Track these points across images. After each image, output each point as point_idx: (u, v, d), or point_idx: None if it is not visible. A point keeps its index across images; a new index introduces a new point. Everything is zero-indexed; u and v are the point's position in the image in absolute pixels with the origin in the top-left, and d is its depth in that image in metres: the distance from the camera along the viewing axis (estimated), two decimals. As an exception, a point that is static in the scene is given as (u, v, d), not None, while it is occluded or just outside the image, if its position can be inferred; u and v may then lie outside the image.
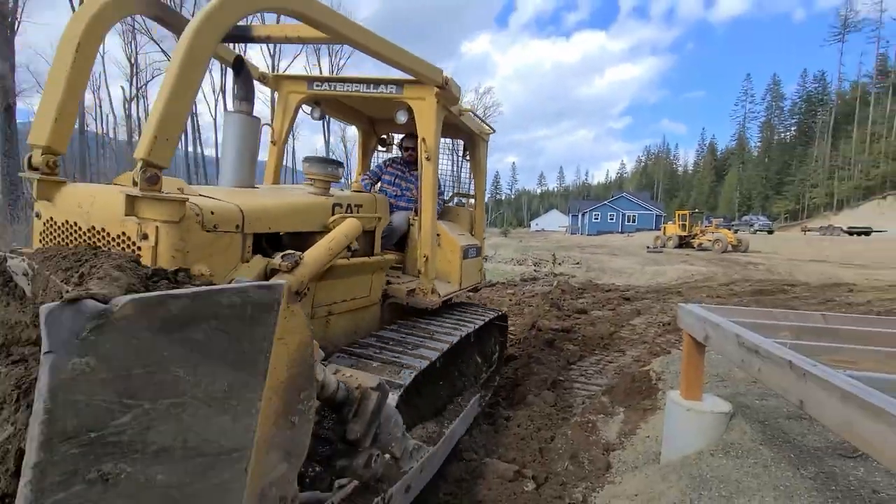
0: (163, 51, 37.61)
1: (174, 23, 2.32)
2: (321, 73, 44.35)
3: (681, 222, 27.86)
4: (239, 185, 2.52)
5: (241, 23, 1.96)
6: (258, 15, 2.16)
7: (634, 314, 7.99)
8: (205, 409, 0.81)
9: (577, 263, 17.45)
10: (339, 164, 2.78)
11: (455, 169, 5.08)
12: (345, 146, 48.98)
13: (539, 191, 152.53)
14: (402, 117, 3.31)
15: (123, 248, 1.69)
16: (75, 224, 1.81)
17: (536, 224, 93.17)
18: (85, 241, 1.77)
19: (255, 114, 2.63)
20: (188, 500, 0.81)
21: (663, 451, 2.70)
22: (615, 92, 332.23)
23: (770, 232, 43.25)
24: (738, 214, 68.12)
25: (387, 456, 1.68)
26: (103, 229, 1.73)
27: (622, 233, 56.50)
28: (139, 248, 1.64)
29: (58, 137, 1.86)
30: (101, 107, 45.06)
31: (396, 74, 3.04)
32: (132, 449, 0.74)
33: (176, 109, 1.55)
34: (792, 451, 2.32)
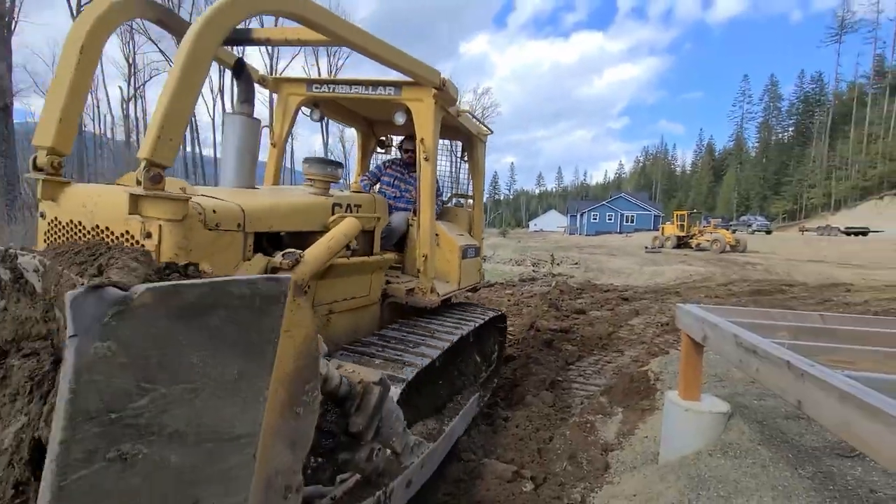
0: (161, 51, 37.56)
1: (175, 26, 2.34)
2: (319, 73, 44.43)
3: (679, 223, 27.90)
4: (239, 185, 2.55)
5: (240, 26, 1.97)
6: (257, 18, 2.17)
7: (633, 314, 8.00)
8: (216, 396, 0.85)
9: (576, 264, 17.47)
10: (339, 164, 2.81)
11: (454, 170, 5.09)
12: (343, 146, 49.03)
13: (537, 191, 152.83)
14: (400, 118, 3.34)
15: None
16: (79, 223, 1.84)
17: (535, 224, 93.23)
18: (89, 240, 1.79)
19: (254, 115, 2.65)
20: (200, 483, 0.84)
21: (661, 451, 2.70)
22: (613, 92, 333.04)
23: (768, 232, 43.35)
24: (736, 215, 68.29)
25: (388, 451, 1.71)
26: (107, 228, 1.76)
27: (620, 233, 56.59)
28: (143, 247, 1.65)
29: (62, 139, 1.89)
30: (98, 107, 45.04)
31: (395, 76, 3.06)
32: (149, 431, 0.77)
33: (178, 110, 1.58)
34: (790, 450, 2.32)
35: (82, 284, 0.79)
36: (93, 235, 1.79)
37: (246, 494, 0.93)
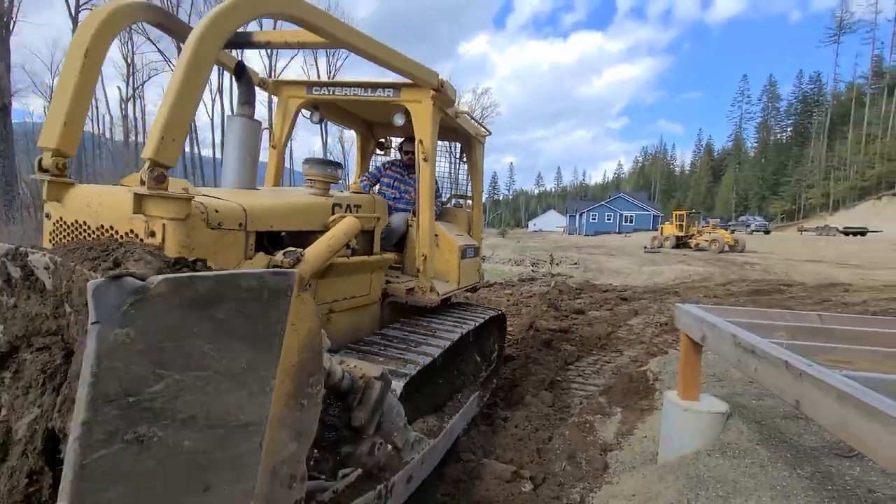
0: (160, 51, 37.57)
1: (177, 30, 2.38)
2: (318, 73, 44.46)
3: (678, 223, 27.94)
4: (240, 186, 2.58)
5: (240, 29, 2.01)
6: (256, 21, 2.20)
7: (632, 314, 8.01)
8: (225, 384, 0.88)
9: (575, 264, 17.48)
10: (339, 165, 2.84)
11: (453, 170, 5.11)
12: (342, 146, 49.03)
13: (537, 191, 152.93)
14: (399, 120, 3.38)
15: None
16: (84, 223, 1.87)
17: (534, 224, 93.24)
18: (94, 239, 1.82)
19: (255, 117, 2.68)
20: (211, 468, 0.88)
21: (660, 451, 2.71)
22: (613, 92, 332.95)
23: (766, 232, 43.40)
24: (735, 215, 68.38)
25: (389, 447, 1.73)
26: (112, 227, 1.79)
27: (619, 233, 56.62)
28: None
29: (67, 140, 1.93)
30: (97, 107, 45.00)
31: (393, 78, 3.09)
32: (163, 415, 0.81)
33: (181, 111, 1.62)
34: (788, 450, 2.33)
35: (97, 277, 0.83)
36: (98, 235, 1.82)
37: (254, 482, 0.96)
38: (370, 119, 4.62)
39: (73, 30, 30.07)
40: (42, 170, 1.93)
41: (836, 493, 1.98)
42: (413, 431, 2.08)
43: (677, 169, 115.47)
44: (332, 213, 2.62)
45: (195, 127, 44.55)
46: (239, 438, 0.92)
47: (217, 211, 1.90)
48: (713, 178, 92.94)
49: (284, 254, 2.09)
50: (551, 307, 8.18)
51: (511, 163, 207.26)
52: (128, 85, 42.15)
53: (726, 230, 26.22)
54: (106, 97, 45.64)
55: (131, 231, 1.74)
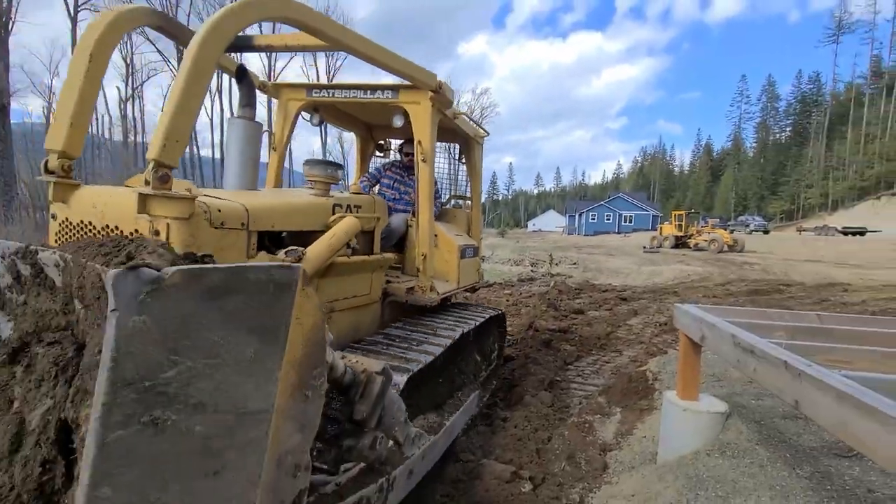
0: (158, 51, 37.54)
1: (179, 34, 2.43)
2: (318, 73, 44.45)
3: (677, 223, 27.96)
4: (242, 187, 2.63)
5: (241, 33, 2.07)
6: (256, 24, 2.22)
7: (631, 314, 8.01)
8: (234, 372, 0.92)
9: (574, 264, 17.49)
10: (339, 165, 2.88)
11: (452, 171, 5.13)
12: (342, 146, 49.04)
13: (536, 191, 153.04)
14: (398, 121, 3.41)
15: None
16: (90, 223, 1.91)
17: (533, 224, 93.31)
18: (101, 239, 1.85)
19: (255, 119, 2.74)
20: (220, 454, 0.91)
21: (660, 451, 2.71)
22: (612, 93, 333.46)
23: (766, 232, 43.44)
24: (734, 215, 68.47)
25: (390, 442, 1.75)
26: (117, 227, 1.82)
27: (619, 233, 56.65)
28: None
29: (73, 142, 1.97)
30: (96, 107, 44.88)
31: (392, 80, 3.11)
32: (177, 400, 0.84)
33: (184, 114, 1.66)
34: (788, 450, 2.33)
35: (110, 271, 0.88)
36: (103, 235, 1.85)
37: (260, 469, 0.99)
38: (369, 121, 4.65)
39: (72, 30, 30.08)
40: (48, 171, 1.97)
41: (835, 492, 1.98)
42: (414, 427, 2.11)
43: (676, 169, 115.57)
44: (333, 214, 2.65)
45: (194, 128, 44.54)
46: (247, 426, 0.95)
47: (220, 210, 1.93)
48: (712, 178, 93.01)
49: (286, 252, 2.12)
50: (551, 307, 8.18)
51: (510, 163, 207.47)
52: (127, 85, 42.14)
53: (725, 230, 26.26)
54: (105, 97, 45.60)
55: (136, 231, 1.77)
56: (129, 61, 40.82)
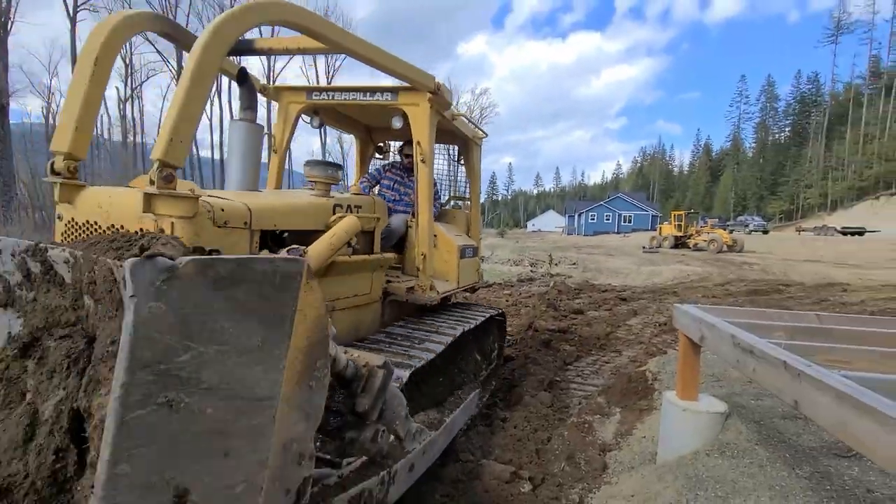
0: (158, 51, 37.48)
1: (182, 39, 2.46)
2: (317, 74, 44.47)
3: (676, 223, 28.00)
4: (244, 188, 2.67)
5: (242, 37, 2.08)
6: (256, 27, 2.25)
7: (631, 314, 8.02)
8: (242, 359, 0.96)
9: (574, 264, 17.50)
10: (339, 166, 2.92)
11: (451, 171, 5.15)
12: (341, 147, 49.04)
13: (535, 191, 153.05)
14: (397, 123, 3.44)
15: None
16: (95, 223, 1.95)
17: (533, 225, 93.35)
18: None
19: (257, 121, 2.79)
20: (230, 436, 0.95)
21: (659, 451, 2.71)
22: (611, 93, 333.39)
23: (765, 232, 43.48)
24: (734, 215, 68.50)
25: (391, 437, 1.79)
26: (122, 226, 1.86)
27: (618, 233, 56.67)
28: None
29: (78, 144, 2.01)
30: (96, 108, 44.76)
31: (391, 82, 3.15)
32: (190, 383, 0.88)
33: (188, 114, 1.70)
34: (787, 450, 2.33)
35: (121, 266, 0.92)
36: (109, 234, 1.86)
37: (268, 454, 1.03)
38: (369, 124, 4.69)
39: (72, 30, 30.05)
40: (54, 173, 2.01)
41: (834, 492, 1.98)
42: (415, 423, 2.15)
43: (676, 169, 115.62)
44: (334, 214, 2.68)
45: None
46: (254, 411, 0.99)
47: (223, 210, 1.97)
48: (711, 178, 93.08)
49: (288, 251, 2.17)
50: (550, 307, 8.18)
51: (510, 163, 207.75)
52: (126, 85, 42.12)
53: (724, 230, 26.28)
54: (104, 98, 45.48)
55: (141, 230, 1.79)
56: (128, 62, 40.78)
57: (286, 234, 2.47)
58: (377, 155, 4.91)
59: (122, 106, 42.81)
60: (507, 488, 2.70)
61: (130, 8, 34.04)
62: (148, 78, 42.82)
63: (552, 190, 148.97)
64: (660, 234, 28.71)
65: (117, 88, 42.76)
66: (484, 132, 4.90)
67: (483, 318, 3.80)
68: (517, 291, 10.45)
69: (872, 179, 58.24)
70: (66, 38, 31.52)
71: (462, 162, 4.85)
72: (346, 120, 4.43)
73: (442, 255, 3.87)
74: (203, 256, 0.92)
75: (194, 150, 44.95)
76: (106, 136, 46.35)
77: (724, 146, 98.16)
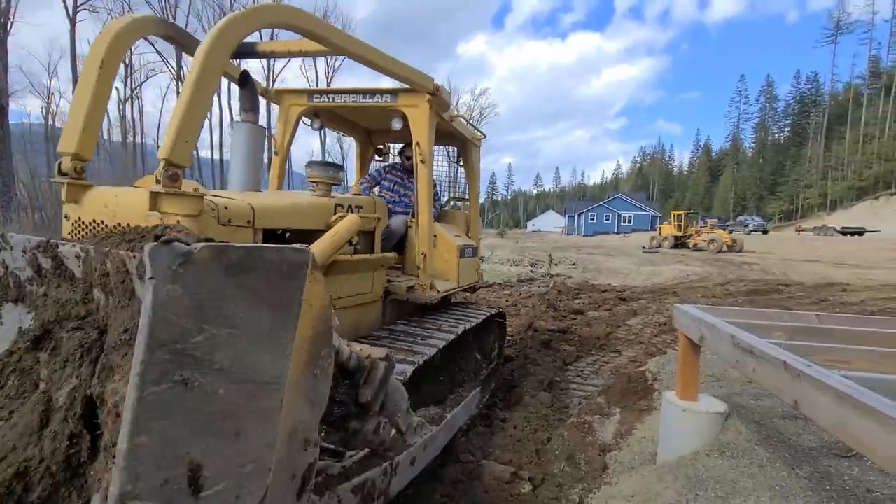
0: (157, 52, 37.50)
1: (185, 43, 2.50)
2: (317, 74, 44.50)
3: (676, 223, 28.02)
4: (246, 188, 2.71)
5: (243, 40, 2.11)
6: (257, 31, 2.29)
7: (630, 314, 8.02)
8: (252, 343, 1.00)
9: (574, 264, 17.50)
10: (340, 167, 2.96)
11: (451, 170, 5.17)
12: (341, 147, 49.03)
13: (535, 191, 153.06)
14: (397, 124, 3.46)
15: None
16: (102, 222, 1.99)
17: (533, 225, 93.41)
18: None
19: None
20: (241, 417, 1.00)
21: (659, 451, 2.71)
22: (611, 93, 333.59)
23: (764, 232, 43.50)
24: (733, 215, 68.52)
25: (393, 430, 1.80)
26: (128, 225, 1.88)
27: (618, 233, 56.68)
28: None
29: (85, 145, 2.06)
30: (95, 108, 44.72)
31: (390, 83, 3.19)
32: (203, 364, 0.93)
33: (193, 116, 1.74)
34: (787, 451, 2.33)
35: (133, 257, 1.01)
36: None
37: (275, 437, 1.08)
38: (369, 126, 4.71)
39: (71, 30, 30.05)
40: (61, 173, 2.05)
41: (834, 493, 1.98)
42: (416, 417, 2.17)
43: (675, 169, 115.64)
44: (335, 213, 2.70)
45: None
46: (263, 394, 1.04)
47: (227, 208, 2.01)
48: (711, 178, 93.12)
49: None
50: (550, 307, 8.19)
51: (510, 163, 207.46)
52: (126, 86, 42.13)
53: (724, 230, 26.30)
54: (104, 98, 45.42)
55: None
56: (127, 62, 40.77)
57: (288, 234, 2.49)
58: (377, 157, 4.94)
59: (121, 106, 42.85)
60: (507, 489, 2.70)
61: (130, 8, 34.09)
62: (147, 78, 42.90)
63: (552, 190, 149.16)
64: (659, 234, 28.73)
65: (117, 89, 42.77)
66: (482, 133, 4.93)
67: (484, 317, 3.83)
68: (517, 292, 10.45)
69: (872, 179, 58.28)
70: (65, 38, 31.54)
71: (461, 163, 4.87)
72: (346, 122, 4.46)
73: (442, 254, 3.89)
74: (216, 243, 0.96)
75: (195, 150, 44.99)
76: (106, 136, 46.34)
77: (724, 146, 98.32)
